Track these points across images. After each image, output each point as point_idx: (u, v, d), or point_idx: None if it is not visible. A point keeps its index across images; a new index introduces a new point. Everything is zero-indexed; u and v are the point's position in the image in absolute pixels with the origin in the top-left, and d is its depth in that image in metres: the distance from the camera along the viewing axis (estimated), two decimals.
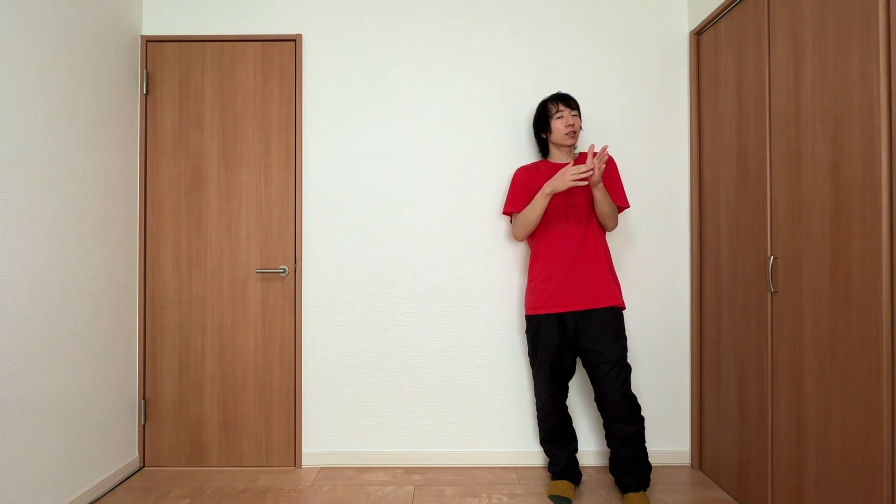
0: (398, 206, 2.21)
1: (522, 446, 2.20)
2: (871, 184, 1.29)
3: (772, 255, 1.66)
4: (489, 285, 2.20)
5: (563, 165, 1.94)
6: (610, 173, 1.97)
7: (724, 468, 1.96)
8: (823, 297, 1.44)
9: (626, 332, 2.18)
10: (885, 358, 1.25)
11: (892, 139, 1.25)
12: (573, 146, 1.98)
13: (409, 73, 2.21)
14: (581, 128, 2.00)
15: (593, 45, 2.21)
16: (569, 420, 1.99)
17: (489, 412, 2.20)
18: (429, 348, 2.21)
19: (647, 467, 1.84)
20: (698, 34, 2.13)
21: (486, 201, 2.21)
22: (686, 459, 2.20)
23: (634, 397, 1.80)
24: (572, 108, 1.95)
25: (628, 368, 1.81)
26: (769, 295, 1.68)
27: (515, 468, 2.17)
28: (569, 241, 1.88)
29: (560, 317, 1.89)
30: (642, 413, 2.19)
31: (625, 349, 1.83)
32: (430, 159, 2.21)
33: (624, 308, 1.89)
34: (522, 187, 1.99)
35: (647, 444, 2.20)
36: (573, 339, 1.87)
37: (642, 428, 1.81)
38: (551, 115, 1.95)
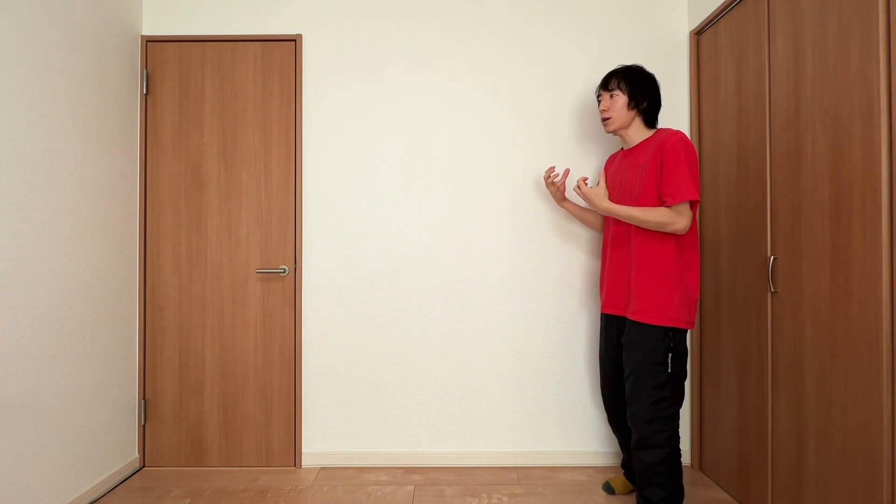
0: (398, 206, 2.21)
1: (522, 446, 2.20)
2: (871, 184, 1.29)
3: (772, 255, 1.66)
4: (489, 285, 2.20)
5: (630, 154, 1.75)
6: (654, 168, 1.62)
7: (724, 468, 1.96)
8: (823, 297, 1.44)
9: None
10: (885, 358, 1.25)
11: (892, 139, 1.25)
12: (617, 133, 1.76)
13: (408, 73, 2.21)
14: (638, 109, 1.70)
15: (593, 44, 2.21)
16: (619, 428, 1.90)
17: (489, 412, 2.20)
18: (429, 348, 2.21)
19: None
20: (698, 34, 2.13)
21: (485, 200, 2.21)
22: (686, 459, 2.20)
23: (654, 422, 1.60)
24: (608, 90, 1.72)
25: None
26: (769, 295, 1.68)
27: (515, 468, 2.17)
28: (609, 240, 1.81)
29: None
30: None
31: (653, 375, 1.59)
32: (430, 158, 2.21)
33: (659, 325, 1.59)
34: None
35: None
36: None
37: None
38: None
